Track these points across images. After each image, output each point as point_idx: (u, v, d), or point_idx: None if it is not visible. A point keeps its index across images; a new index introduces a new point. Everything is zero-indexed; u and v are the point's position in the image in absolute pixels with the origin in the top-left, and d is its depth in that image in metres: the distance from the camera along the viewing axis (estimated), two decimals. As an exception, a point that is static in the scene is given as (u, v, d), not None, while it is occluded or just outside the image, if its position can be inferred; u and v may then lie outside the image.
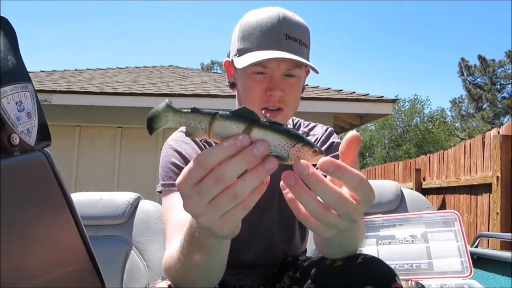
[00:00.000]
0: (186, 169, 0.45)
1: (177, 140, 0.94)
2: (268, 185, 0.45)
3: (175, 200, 0.85)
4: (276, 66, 0.85)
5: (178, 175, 0.88)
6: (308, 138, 0.58)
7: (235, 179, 0.44)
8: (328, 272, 0.77)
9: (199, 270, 0.65)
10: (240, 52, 0.87)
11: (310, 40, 0.92)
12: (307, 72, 0.99)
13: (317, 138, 1.02)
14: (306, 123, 1.10)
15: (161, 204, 0.94)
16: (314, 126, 1.07)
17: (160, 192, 0.91)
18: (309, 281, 0.79)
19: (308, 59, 0.89)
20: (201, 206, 0.45)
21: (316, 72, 0.89)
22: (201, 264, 0.63)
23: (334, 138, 1.01)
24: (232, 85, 0.95)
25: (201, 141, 0.94)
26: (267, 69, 0.85)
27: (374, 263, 0.74)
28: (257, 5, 0.97)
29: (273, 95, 0.85)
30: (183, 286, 0.71)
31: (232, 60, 0.90)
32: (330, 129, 1.05)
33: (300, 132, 1.04)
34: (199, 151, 0.90)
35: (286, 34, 0.84)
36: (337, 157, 0.99)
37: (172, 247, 0.73)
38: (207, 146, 0.93)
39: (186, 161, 0.89)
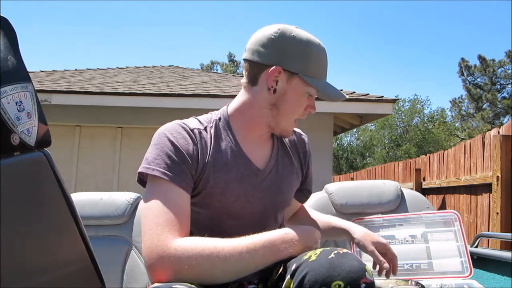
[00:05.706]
0: None
1: (172, 131, 0.98)
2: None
3: (171, 189, 0.91)
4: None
5: (172, 168, 0.92)
6: None
7: None
8: (304, 267, 0.78)
9: (243, 269, 0.83)
10: (303, 72, 0.98)
11: None
12: None
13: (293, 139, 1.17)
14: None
15: None
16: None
17: (142, 173, 0.94)
18: (288, 276, 0.80)
19: None
20: None
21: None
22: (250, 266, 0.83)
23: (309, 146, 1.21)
24: (274, 91, 1.00)
25: (192, 130, 0.98)
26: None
27: (346, 258, 0.75)
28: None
29: (312, 112, 1.06)
30: (198, 276, 0.79)
31: (297, 73, 0.98)
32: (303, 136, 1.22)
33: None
34: (190, 141, 0.96)
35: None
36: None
37: (209, 240, 0.83)
38: (200, 137, 0.99)
39: (179, 153, 0.93)
